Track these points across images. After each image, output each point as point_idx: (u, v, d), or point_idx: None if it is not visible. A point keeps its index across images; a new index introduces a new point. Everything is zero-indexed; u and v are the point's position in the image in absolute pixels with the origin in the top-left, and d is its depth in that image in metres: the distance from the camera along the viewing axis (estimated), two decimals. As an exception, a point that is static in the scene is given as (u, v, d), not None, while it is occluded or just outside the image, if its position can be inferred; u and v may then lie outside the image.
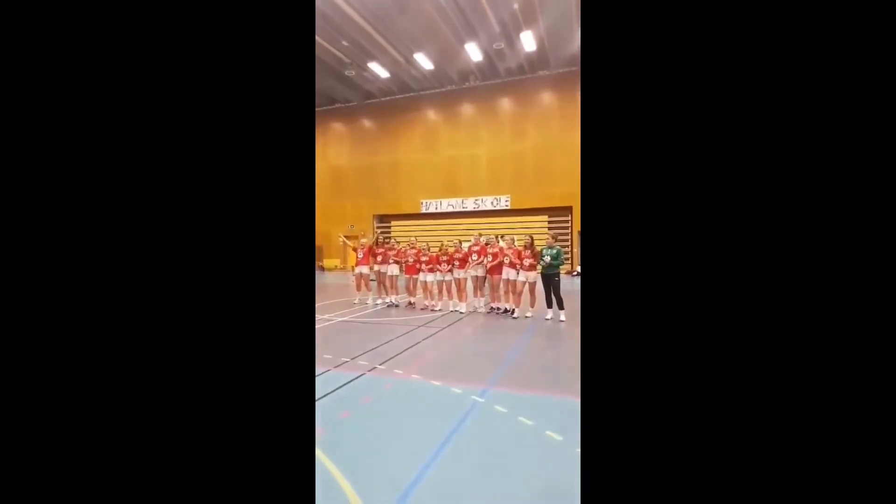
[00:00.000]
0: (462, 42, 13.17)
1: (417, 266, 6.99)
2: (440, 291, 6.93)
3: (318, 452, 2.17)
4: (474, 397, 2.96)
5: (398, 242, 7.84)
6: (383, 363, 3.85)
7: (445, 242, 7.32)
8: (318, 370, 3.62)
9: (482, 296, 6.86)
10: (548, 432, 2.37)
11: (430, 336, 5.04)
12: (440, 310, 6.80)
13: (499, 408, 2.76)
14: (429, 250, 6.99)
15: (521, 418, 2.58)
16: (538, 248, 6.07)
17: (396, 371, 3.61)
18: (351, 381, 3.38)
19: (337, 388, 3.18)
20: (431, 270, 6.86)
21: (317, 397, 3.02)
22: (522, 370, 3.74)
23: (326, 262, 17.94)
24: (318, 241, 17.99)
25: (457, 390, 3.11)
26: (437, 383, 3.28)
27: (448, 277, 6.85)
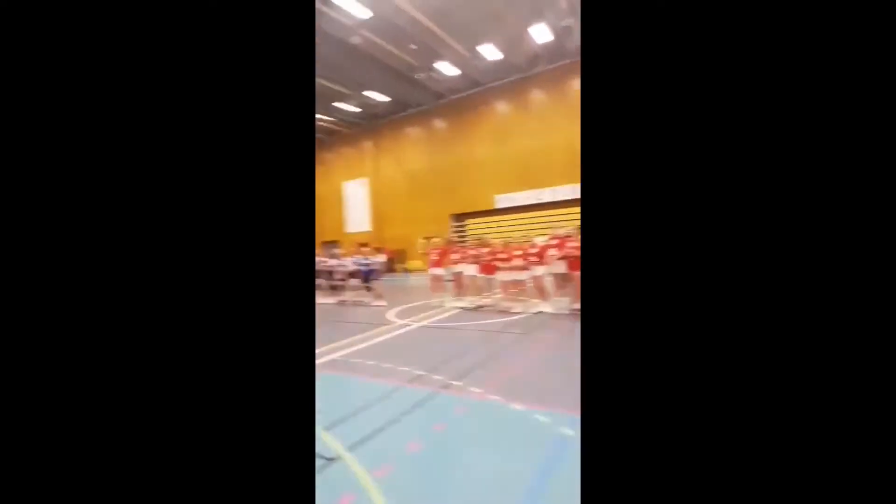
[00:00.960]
0: (527, 25, 12.41)
1: (494, 265, 6.57)
2: (518, 291, 6.43)
3: (379, 498, 1.90)
4: (564, 429, 2.49)
5: (478, 239, 7.47)
6: (458, 378, 3.53)
7: (514, 236, 6.79)
8: (389, 385, 3.43)
9: (565, 295, 6.23)
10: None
11: (510, 344, 4.61)
12: (520, 312, 6.31)
13: (595, 444, 2.25)
14: (505, 247, 6.52)
15: (625, 461, 2.05)
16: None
17: (473, 389, 3.26)
18: (422, 400, 3.11)
19: (406, 413, 2.93)
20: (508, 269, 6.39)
21: (387, 420, 2.79)
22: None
23: (410, 265, 18.35)
24: (401, 244, 18.49)
25: (542, 418, 2.67)
26: (518, 407, 2.87)
27: (524, 276, 6.32)
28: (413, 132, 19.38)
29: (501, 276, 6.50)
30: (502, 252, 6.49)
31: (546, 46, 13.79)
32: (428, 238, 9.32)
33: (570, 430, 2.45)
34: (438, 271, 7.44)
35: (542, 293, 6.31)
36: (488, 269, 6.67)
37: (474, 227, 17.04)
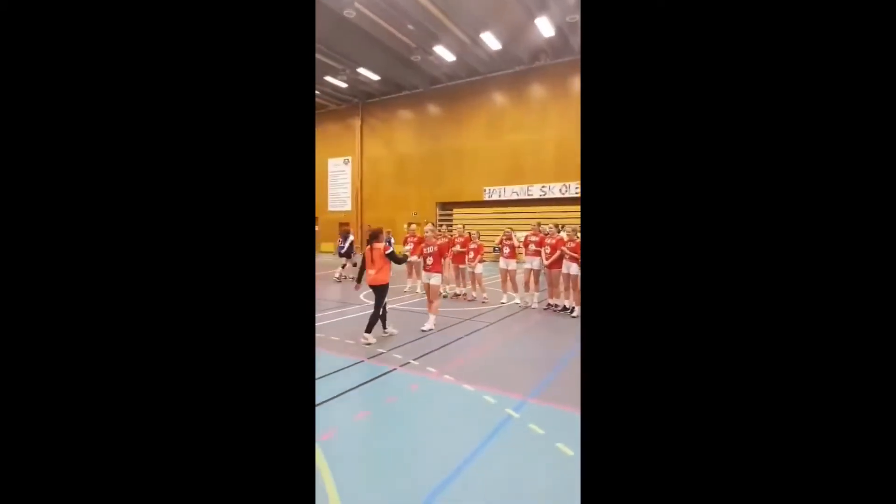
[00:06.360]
0: (532, 17, 12.31)
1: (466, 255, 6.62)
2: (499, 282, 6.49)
3: (320, 460, 1.96)
4: (509, 410, 2.58)
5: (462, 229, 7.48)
6: (417, 358, 3.59)
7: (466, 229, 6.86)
8: (352, 360, 3.47)
9: (537, 290, 6.34)
10: (590, 468, 1.93)
11: (475, 332, 4.70)
12: (485, 302, 6.40)
13: (535, 427, 2.35)
14: (479, 238, 6.56)
15: (559, 445, 2.15)
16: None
17: (429, 369, 3.34)
18: (380, 375, 3.17)
19: (362, 384, 2.99)
20: (481, 260, 6.43)
21: (342, 390, 2.85)
22: (572, 382, 3.25)
23: (396, 249, 18.26)
24: (385, 226, 18.30)
25: (490, 399, 2.75)
26: (469, 387, 2.95)
27: (479, 269, 6.37)
28: (404, 115, 19.09)
29: (473, 267, 6.55)
30: (476, 242, 6.54)
31: (550, 41, 13.72)
32: (409, 224, 9.29)
33: (515, 413, 2.54)
34: (413, 258, 7.45)
35: (514, 286, 6.41)
36: (459, 258, 6.72)
37: (461, 217, 17.06)
